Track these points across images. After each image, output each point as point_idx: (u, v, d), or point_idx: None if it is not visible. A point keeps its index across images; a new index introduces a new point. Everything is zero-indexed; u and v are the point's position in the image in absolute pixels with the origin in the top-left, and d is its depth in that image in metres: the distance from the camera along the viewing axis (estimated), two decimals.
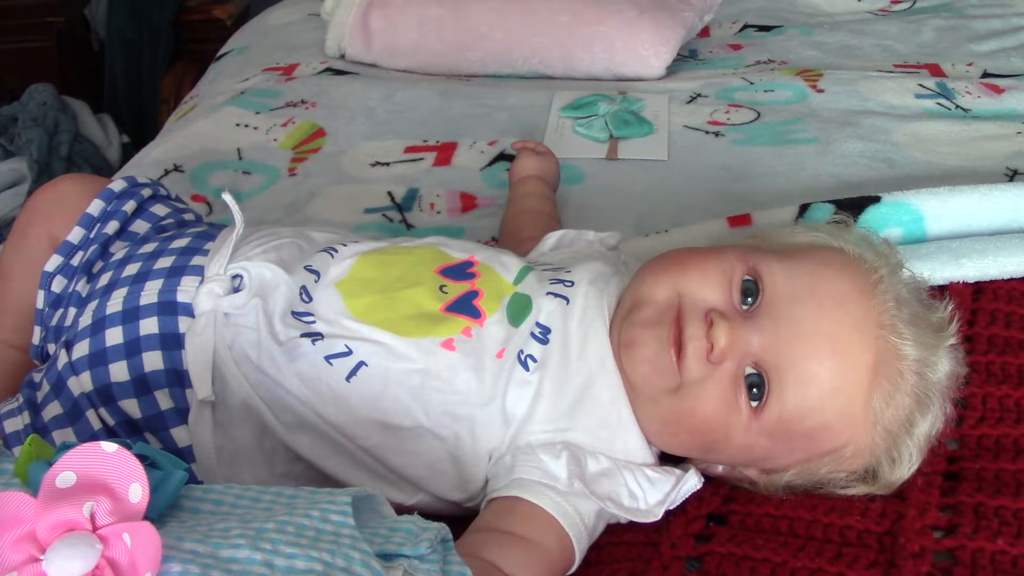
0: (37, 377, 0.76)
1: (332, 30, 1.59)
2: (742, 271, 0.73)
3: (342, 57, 1.60)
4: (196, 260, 0.76)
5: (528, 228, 1.00)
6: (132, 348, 0.72)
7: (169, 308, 0.73)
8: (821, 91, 1.38)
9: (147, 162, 1.31)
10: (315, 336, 0.72)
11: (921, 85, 1.38)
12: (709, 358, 0.70)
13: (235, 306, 0.73)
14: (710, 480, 0.75)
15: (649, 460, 0.74)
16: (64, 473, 0.44)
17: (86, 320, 0.75)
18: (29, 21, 2.35)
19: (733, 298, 0.72)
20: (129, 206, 0.85)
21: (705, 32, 1.68)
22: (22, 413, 0.73)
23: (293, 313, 0.73)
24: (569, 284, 0.78)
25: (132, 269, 0.76)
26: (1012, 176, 1.15)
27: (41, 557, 0.42)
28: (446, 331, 0.73)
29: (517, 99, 1.42)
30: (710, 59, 1.59)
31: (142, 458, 0.45)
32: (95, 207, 0.84)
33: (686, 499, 0.72)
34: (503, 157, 1.27)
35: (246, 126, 1.38)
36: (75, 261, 0.82)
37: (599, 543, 0.72)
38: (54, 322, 0.82)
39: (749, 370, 0.70)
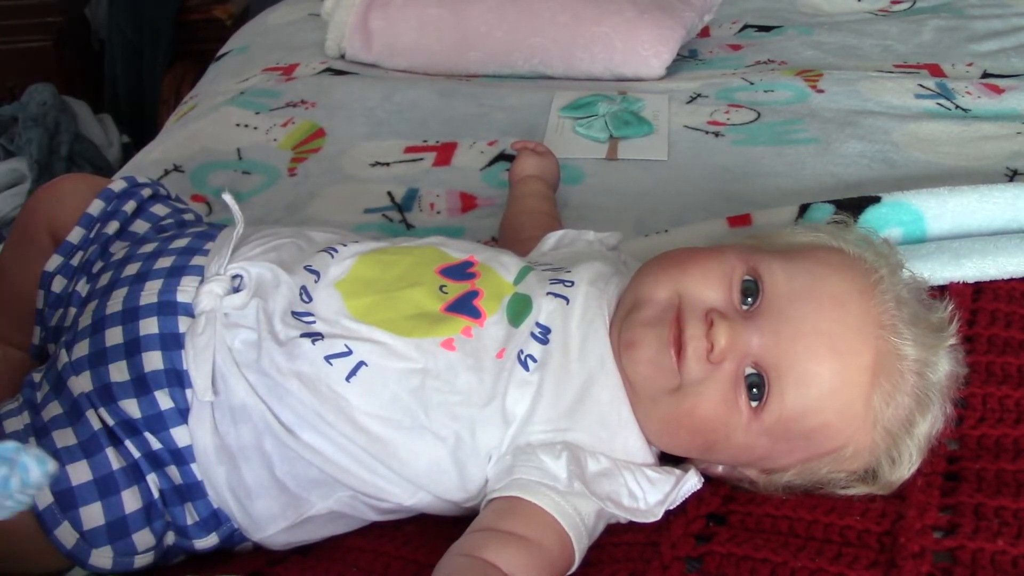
0: (37, 377, 0.76)
1: (332, 30, 1.59)
2: (742, 271, 0.73)
3: (342, 57, 1.60)
4: (196, 260, 0.76)
5: (528, 228, 1.00)
6: (132, 348, 0.72)
7: (169, 308, 0.73)
8: (821, 91, 1.38)
9: (147, 162, 1.31)
10: (315, 336, 0.72)
11: (921, 85, 1.39)
12: (709, 358, 0.70)
13: (235, 306, 0.73)
14: (710, 480, 0.75)
15: (649, 460, 0.74)
16: None
17: (86, 320, 0.75)
18: (29, 21, 2.35)
19: (733, 298, 0.73)
20: (129, 206, 0.85)
21: (705, 32, 1.68)
22: (22, 413, 0.73)
23: (293, 313, 0.73)
24: (569, 284, 0.78)
25: (132, 269, 0.76)
26: (1012, 176, 1.15)
27: None
28: (446, 331, 0.73)
29: (517, 99, 1.42)
30: (710, 59, 1.59)
31: None
32: (95, 207, 0.84)
33: (686, 499, 0.72)
34: (503, 157, 1.27)
35: (246, 126, 1.38)
36: (75, 261, 0.82)
37: (599, 543, 0.72)
38: (54, 322, 0.82)
39: (749, 370, 0.70)
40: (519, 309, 0.76)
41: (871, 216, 0.97)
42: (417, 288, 0.76)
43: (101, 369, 0.72)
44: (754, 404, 0.70)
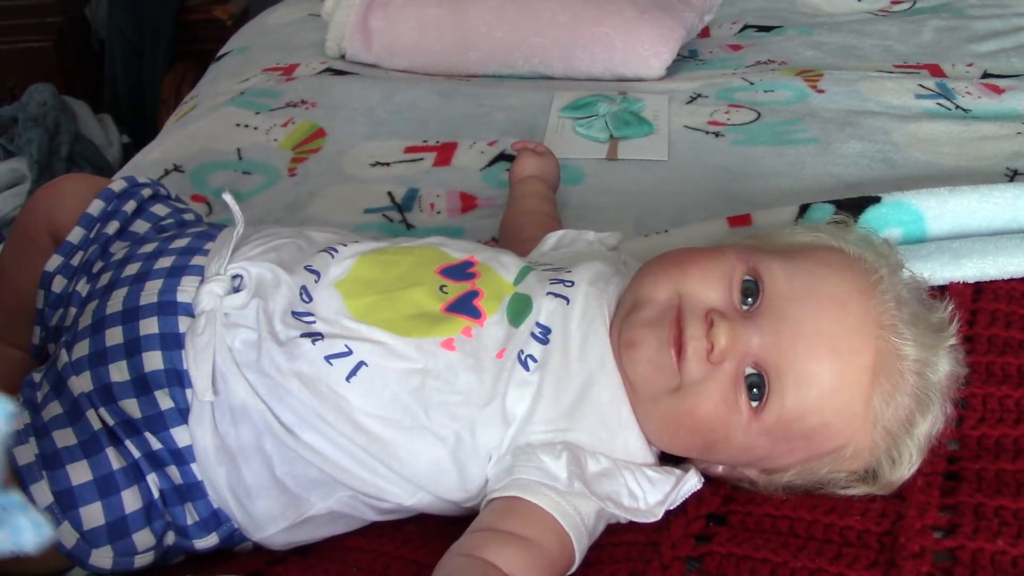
0: (37, 377, 0.76)
1: (332, 30, 1.59)
2: (742, 271, 0.73)
3: (342, 57, 1.60)
4: (196, 260, 0.76)
5: (528, 228, 1.00)
6: (132, 348, 0.72)
7: (169, 308, 0.73)
8: (821, 91, 1.38)
9: (147, 162, 1.31)
10: (315, 336, 0.72)
11: (921, 85, 1.39)
12: (709, 358, 0.70)
13: (235, 306, 0.73)
14: (710, 480, 0.75)
15: (649, 460, 0.74)
16: None
17: (86, 320, 0.75)
18: (29, 21, 2.35)
19: (733, 298, 0.73)
20: (129, 206, 0.85)
21: (705, 32, 1.68)
22: (22, 413, 0.73)
23: (293, 313, 0.73)
24: (569, 284, 0.78)
25: (132, 269, 0.76)
26: (1012, 176, 1.15)
27: None
28: (446, 331, 0.73)
29: (517, 99, 1.42)
30: (710, 59, 1.59)
31: None
32: (95, 207, 0.84)
33: (686, 499, 0.72)
34: (503, 157, 1.27)
35: (246, 126, 1.38)
36: (75, 261, 0.82)
37: (599, 543, 0.72)
38: (54, 322, 0.82)
39: (749, 370, 0.70)
40: (519, 309, 0.76)
41: (871, 216, 0.97)
42: (417, 288, 0.76)
43: (101, 369, 0.72)
44: (754, 404, 0.70)
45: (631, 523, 0.72)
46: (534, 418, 0.72)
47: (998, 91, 1.36)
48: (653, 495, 0.71)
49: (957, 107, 1.33)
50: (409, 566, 0.72)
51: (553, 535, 0.68)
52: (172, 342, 0.72)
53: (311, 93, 1.46)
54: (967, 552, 0.66)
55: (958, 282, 0.91)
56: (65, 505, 0.68)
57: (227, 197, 0.79)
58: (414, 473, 0.71)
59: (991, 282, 0.91)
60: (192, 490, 0.71)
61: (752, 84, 1.43)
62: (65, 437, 0.70)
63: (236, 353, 0.72)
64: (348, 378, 0.71)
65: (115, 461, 0.70)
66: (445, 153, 1.30)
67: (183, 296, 0.74)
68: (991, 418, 0.78)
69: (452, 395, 0.71)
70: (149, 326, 0.72)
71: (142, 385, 0.71)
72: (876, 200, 0.99)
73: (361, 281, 0.76)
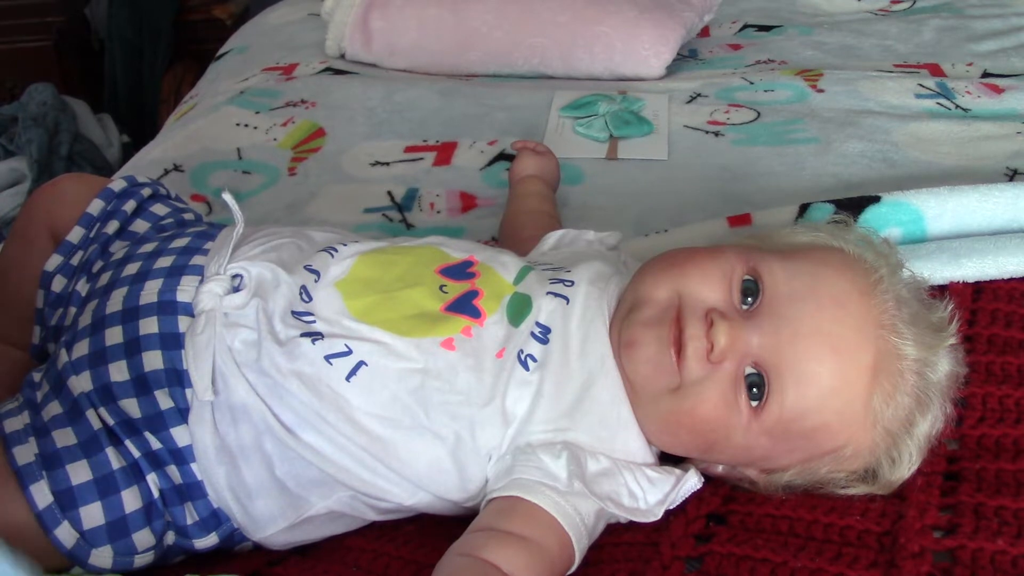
0: (37, 377, 0.76)
1: (332, 30, 1.59)
2: (742, 271, 0.73)
3: (342, 57, 1.60)
4: (196, 260, 0.76)
5: (528, 228, 1.00)
6: (132, 348, 0.72)
7: (169, 308, 0.73)
8: (821, 91, 1.38)
9: (147, 162, 1.31)
10: (315, 336, 0.72)
11: (921, 85, 1.39)
12: (709, 358, 0.70)
13: (235, 306, 0.73)
14: (710, 480, 0.75)
15: (649, 460, 0.74)
16: None
17: (86, 320, 0.75)
18: (29, 21, 2.36)
19: (733, 298, 0.73)
20: (129, 206, 0.85)
21: (705, 32, 1.68)
22: (22, 413, 0.73)
23: (293, 313, 0.73)
24: (569, 284, 0.78)
25: (132, 269, 0.76)
26: (1012, 176, 1.15)
27: None
28: (446, 331, 0.73)
29: (517, 99, 1.42)
30: (710, 59, 1.59)
31: None
32: (95, 207, 0.84)
33: (686, 499, 0.72)
34: (503, 157, 1.27)
35: (246, 126, 1.38)
36: (75, 261, 0.82)
37: (599, 543, 0.72)
38: (54, 321, 0.82)
39: (749, 370, 0.70)
40: (519, 309, 0.76)
41: (871, 216, 0.97)
42: (417, 288, 0.76)
43: (101, 369, 0.72)
44: (754, 404, 0.70)
45: (631, 523, 0.72)
46: (534, 418, 0.72)
47: (998, 91, 1.36)
48: (653, 495, 0.71)
49: (957, 107, 1.33)
50: (409, 566, 0.72)
51: (553, 535, 0.68)
52: (172, 342, 0.72)
53: (311, 93, 1.46)
54: (967, 552, 0.66)
55: (958, 282, 0.90)
56: (65, 505, 0.68)
57: (227, 197, 0.79)
58: (414, 473, 0.71)
59: (991, 282, 0.91)
60: (192, 490, 0.71)
61: (752, 84, 1.43)
62: (65, 437, 0.70)
63: (236, 353, 0.72)
64: (348, 378, 0.71)
65: (115, 461, 0.70)
66: (445, 153, 1.30)
67: (183, 296, 0.74)
68: (991, 418, 0.77)
69: (452, 395, 0.71)
70: (149, 326, 0.72)
71: (142, 385, 0.71)
72: (876, 200, 0.99)
73: (361, 281, 0.76)
